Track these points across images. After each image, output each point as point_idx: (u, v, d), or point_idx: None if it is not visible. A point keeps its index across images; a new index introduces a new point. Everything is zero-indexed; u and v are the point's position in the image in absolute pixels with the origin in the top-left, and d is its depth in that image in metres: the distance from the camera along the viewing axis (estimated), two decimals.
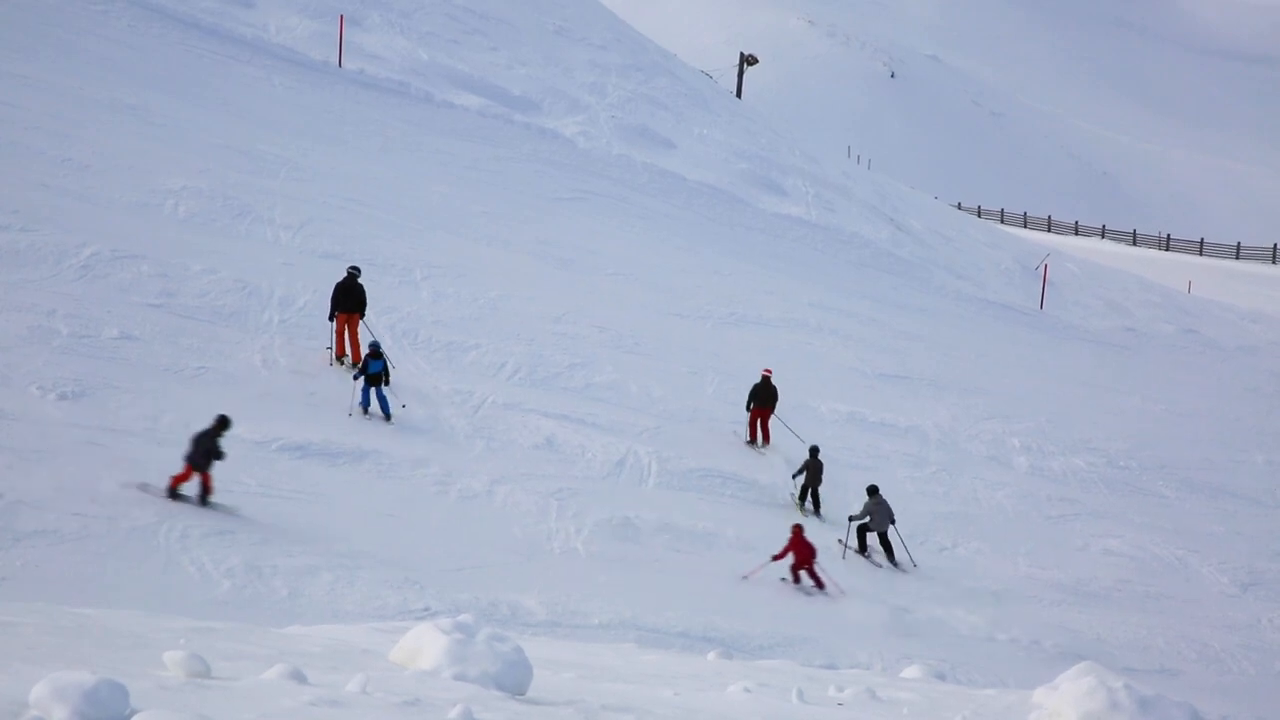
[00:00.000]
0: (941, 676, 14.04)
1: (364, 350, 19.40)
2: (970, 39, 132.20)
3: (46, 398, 16.29)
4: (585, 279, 28.04)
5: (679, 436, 21.80)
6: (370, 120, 32.40)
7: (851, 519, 20.20)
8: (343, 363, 19.99)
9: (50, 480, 14.48)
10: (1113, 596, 21.22)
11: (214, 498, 15.17)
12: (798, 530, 18.58)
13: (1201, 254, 71.50)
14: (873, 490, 20.20)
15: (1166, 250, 72.64)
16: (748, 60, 57.29)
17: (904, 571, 20.01)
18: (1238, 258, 70.80)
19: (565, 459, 19.64)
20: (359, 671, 7.97)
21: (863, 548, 20.24)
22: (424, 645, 8.43)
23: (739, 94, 55.48)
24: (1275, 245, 71.05)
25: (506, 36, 41.25)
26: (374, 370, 18.81)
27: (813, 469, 21.07)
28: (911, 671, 13.48)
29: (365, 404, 18.92)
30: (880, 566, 20.00)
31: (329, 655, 9.25)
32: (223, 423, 15.38)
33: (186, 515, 14.63)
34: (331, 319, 20.12)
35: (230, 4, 34.24)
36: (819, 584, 18.49)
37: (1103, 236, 76.44)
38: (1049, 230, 76.97)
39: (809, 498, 21.10)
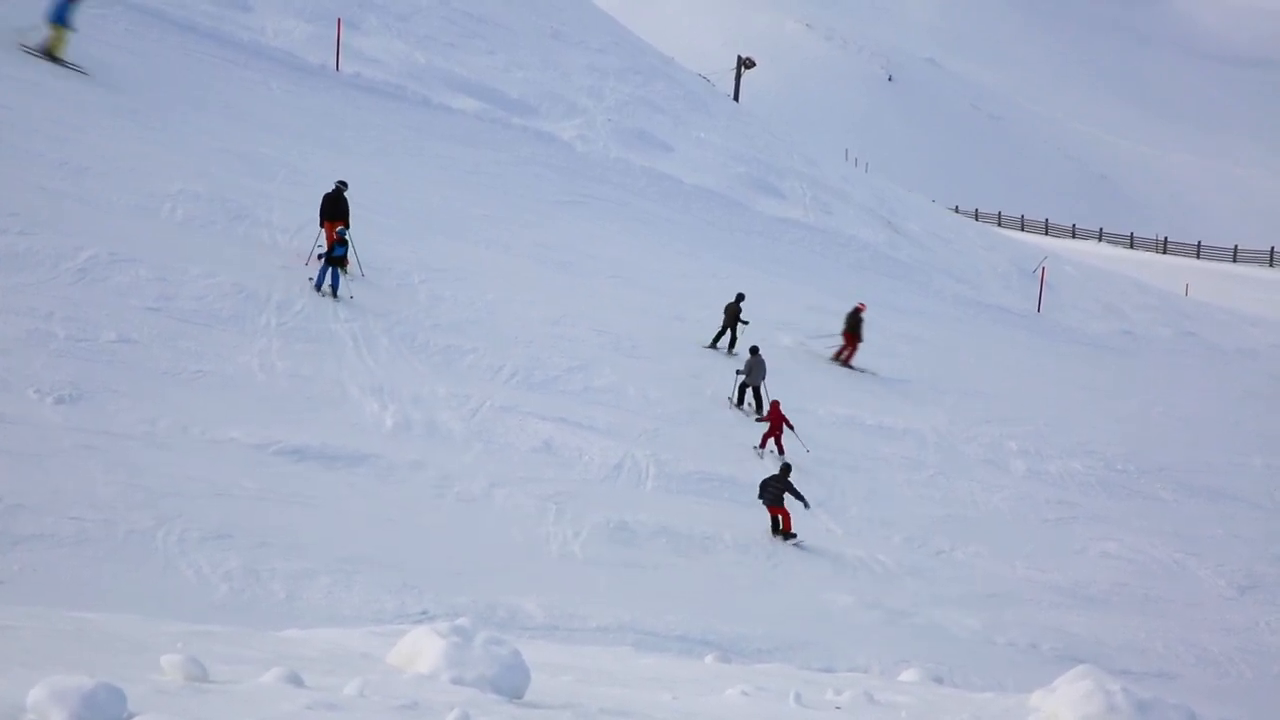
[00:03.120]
0: (939, 680, 14.03)
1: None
2: (968, 42, 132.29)
3: (44, 401, 16.28)
4: (583, 282, 28.06)
5: (677, 439, 21.81)
6: (368, 124, 32.41)
7: (738, 373, 24.36)
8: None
9: (48, 484, 14.47)
10: (1111, 599, 21.22)
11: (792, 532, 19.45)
12: (776, 405, 22.99)
13: (1199, 257, 71.58)
14: (754, 350, 24.48)
15: (1164, 253, 72.74)
16: (746, 63, 57.32)
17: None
18: (1235, 260, 70.90)
19: (563, 462, 19.65)
20: (356, 675, 7.96)
21: (740, 401, 24.28)
22: (422, 649, 8.42)
23: (737, 97, 55.53)
24: (1273, 248, 71.14)
25: (504, 40, 41.27)
26: (338, 254, 21.94)
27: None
28: (909, 675, 13.47)
29: (320, 284, 21.96)
30: (748, 415, 23.95)
31: (326, 659, 9.25)
32: (785, 468, 19.82)
33: (184, 519, 14.64)
34: (321, 226, 22.85)
35: (228, 8, 34.24)
36: (780, 450, 22.55)
37: (1100, 239, 76.51)
38: (1046, 233, 77.08)
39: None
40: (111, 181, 23.04)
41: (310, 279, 22.05)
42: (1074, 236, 77.42)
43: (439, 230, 27.60)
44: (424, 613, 14.19)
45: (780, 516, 19.68)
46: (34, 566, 13.06)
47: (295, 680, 7.56)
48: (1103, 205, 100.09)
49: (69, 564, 13.26)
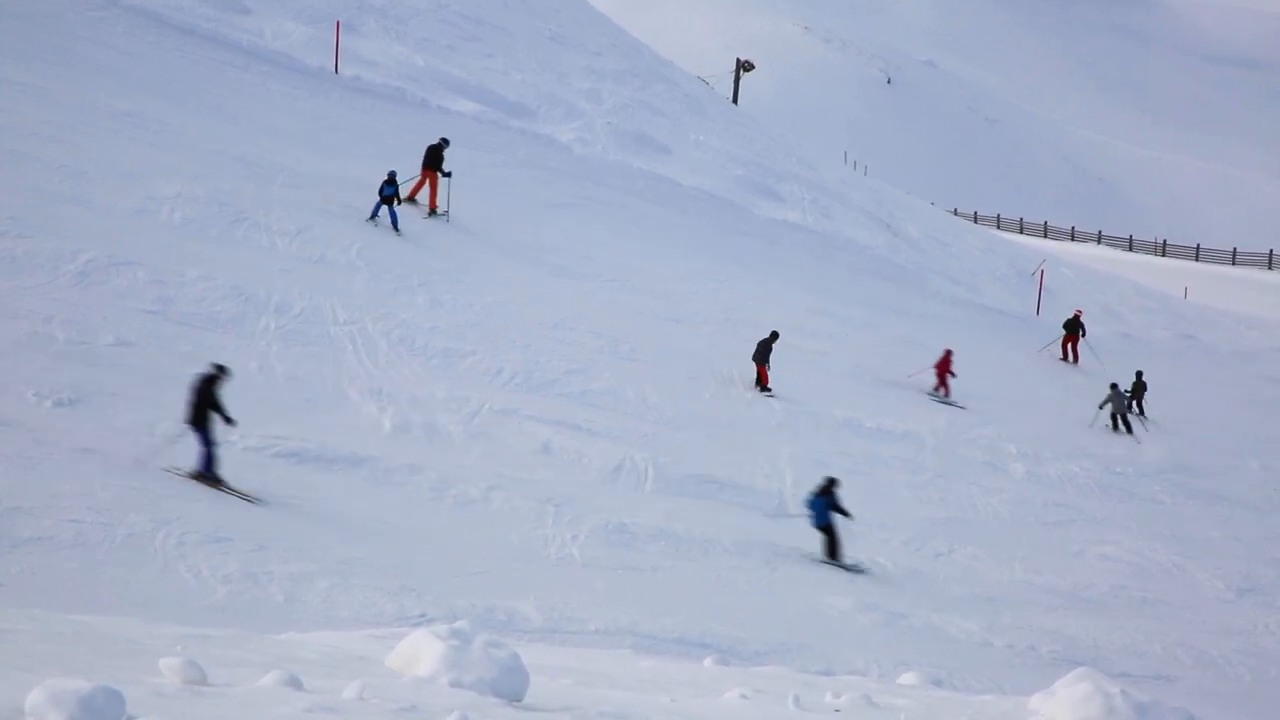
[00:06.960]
0: (938, 683, 14.05)
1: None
2: (966, 44, 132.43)
3: (43, 404, 16.28)
4: (582, 285, 28.06)
5: (676, 442, 21.81)
6: (366, 126, 32.41)
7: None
8: (415, 203, 28.00)
9: (46, 486, 14.46)
10: (1109, 602, 21.22)
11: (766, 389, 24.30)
12: (949, 354, 29.27)
13: (1198, 259, 71.56)
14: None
15: (1163, 256, 72.76)
16: (744, 66, 57.32)
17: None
18: (1234, 263, 70.89)
19: (562, 465, 19.65)
20: (355, 678, 7.97)
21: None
22: (420, 652, 8.43)
23: (735, 100, 55.53)
24: (1271, 251, 71.18)
25: (502, 43, 41.28)
26: (388, 193, 25.82)
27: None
28: (908, 678, 13.48)
29: (375, 215, 25.80)
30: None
31: (325, 662, 9.26)
32: (774, 335, 25.17)
33: (183, 521, 14.63)
34: (421, 172, 27.69)
35: (227, 10, 34.25)
36: (946, 391, 29.04)
37: (1099, 242, 76.50)
38: (1045, 236, 77.07)
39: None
40: (110, 185, 23.05)
41: (367, 218, 25.98)
42: (1073, 239, 77.44)
43: (437, 233, 27.61)
44: (423, 615, 14.18)
45: (760, 373, 24.87)
46: (32, 569, 13.05)
47: (294, 683, 7.57)
48: (1101, 208, 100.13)
49: (67, 567, 13.25)
